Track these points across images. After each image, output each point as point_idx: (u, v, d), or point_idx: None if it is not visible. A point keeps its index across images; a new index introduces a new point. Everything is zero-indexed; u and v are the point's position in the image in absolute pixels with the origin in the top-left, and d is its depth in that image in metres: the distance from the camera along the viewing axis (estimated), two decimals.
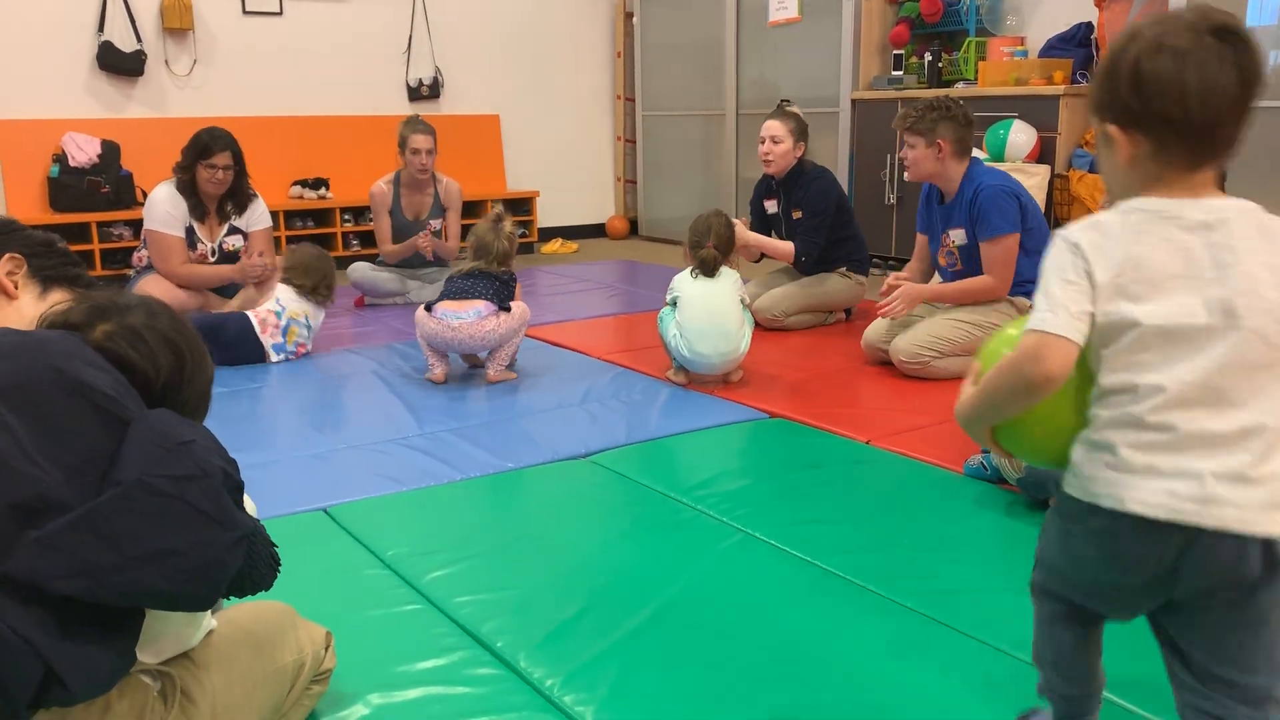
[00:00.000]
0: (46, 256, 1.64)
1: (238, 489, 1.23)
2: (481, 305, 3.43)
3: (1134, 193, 1.24)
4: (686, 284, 3.46)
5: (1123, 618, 1.32)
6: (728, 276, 3.44)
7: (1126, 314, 1.18)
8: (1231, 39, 1.17)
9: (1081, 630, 1.35)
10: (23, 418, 1.11)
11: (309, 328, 3.92)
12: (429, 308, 3.47)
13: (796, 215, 4.27)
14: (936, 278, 3.72)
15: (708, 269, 3.42)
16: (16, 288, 1.59)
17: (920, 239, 3.75)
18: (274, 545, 1.31)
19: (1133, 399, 1.18)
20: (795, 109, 4.34)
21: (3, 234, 1.62)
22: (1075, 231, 1.24)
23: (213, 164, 4.17)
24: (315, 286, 3.93)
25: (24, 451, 1.09)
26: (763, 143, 4.26)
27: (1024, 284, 3.48)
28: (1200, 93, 1.17)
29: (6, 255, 1.59)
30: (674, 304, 3.46)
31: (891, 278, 3.62)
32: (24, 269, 1.61)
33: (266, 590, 1.31)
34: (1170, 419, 1.16)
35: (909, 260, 3.87)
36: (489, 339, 3.45)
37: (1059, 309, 1.20)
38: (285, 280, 3.93)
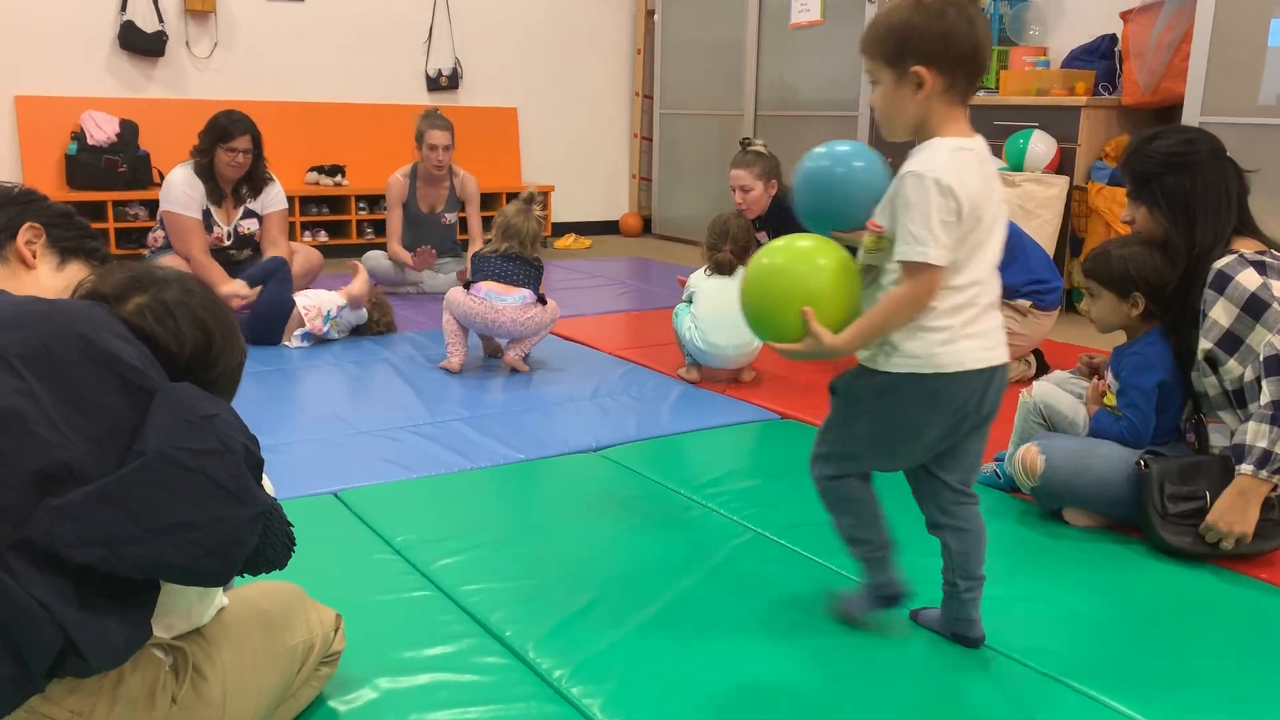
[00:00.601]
0: (65, 228, 1.63)
1: (258, 466, 1.22)
2: (525, 293, 3.47)
3: (921, 123, 1.63)
4: (702, 280, 3.47)
5: (905, 465, 1.77)
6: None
7: (968, 233, 1.59)
8: (978, 9, 1.64)
9: (871, 490, 1.81)
10: (48, 386, 1.11)
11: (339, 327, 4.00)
12: (469, 284, 3.47)
13: None
14: None
15: (723, 270, 3.42)
16: (35, 257, 1.58)
17: None
18: (290, 525, 1.31)
19: (957, 292, 1.61)
20: (758, 146, 4.18)
21: (22, 203, 1.61)
22: (943, 175, 1.55)
23: (233, 147, 4.17)
24: (379, 320, 4.08)
25: (49, 419, 1.09)
26: (734, 192, 4.18)
27: (1020, 287, 3.46)
28: (983, 44, 1.61)
29: (25, 224, 1.58)
30: (690, 300, 3.47)
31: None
32: (43, 239, 1.60)
33: (281, 570, 1.31)
34: (977, 299, 1.63)
35: None
36: (527, 327, 3.47)
37: (940, 245, 1.56)
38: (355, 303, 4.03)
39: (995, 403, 1.70)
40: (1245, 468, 2.05)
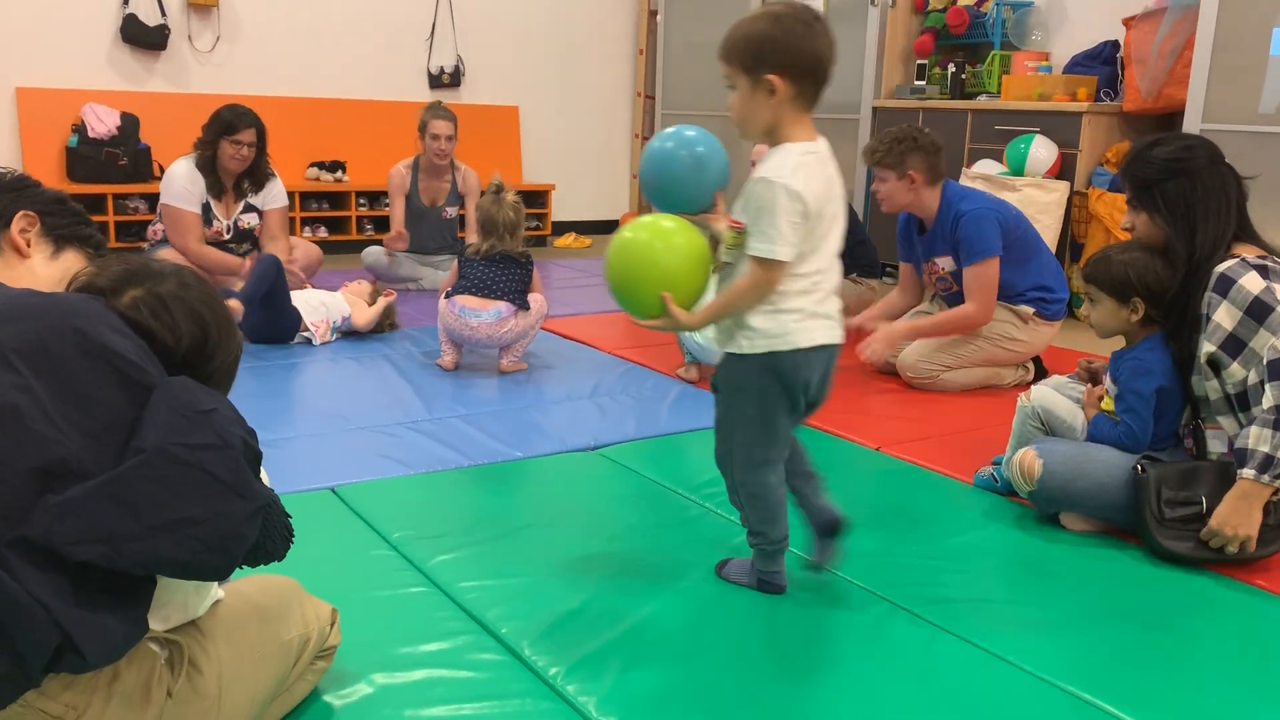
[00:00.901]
0: (59, 215, 1.62)
1: (257, 459, 1.22)
2: (502, 306, 3.42)
3: (773, 126, 1.82)
4: None
5: (786, 441, 1.94)
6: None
7: (813, 229, 1.79)
8: (824, 22, 1.83)
9: (783, 486, 1.95)
10: (45, 381, 1.11)
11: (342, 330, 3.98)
12: (449, 295, 3.47)
13: None
14: (924, 305, 3.70)
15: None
16: (29, 245, 1.57)
17: (903, 267, 3.72)
18: (288, 516, 1.31)
19: (804, 278, 1.82)
20: None
21: (15, 191, 1.59)
22: (790, 181, 1.75)
23: (237, 140, 4.17)
24: (384, 322, 4.05)
25: (46, 415, 1.08)
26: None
27: (1025, 292, 3.46)
28: (827, 57, 1.80)
29: (19, 213, 1.57)
30: None
31: (859, 318, 3.56)
32: (37, 227, 1.58)
33: (279, 561, 1.30)
34: (821, 284, 1.85)
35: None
36: (506, 338, 3.45)
37: (787, 243, 1.76)
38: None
39: (830, 374, 1.93)
40: (1247, 472, 2.05)
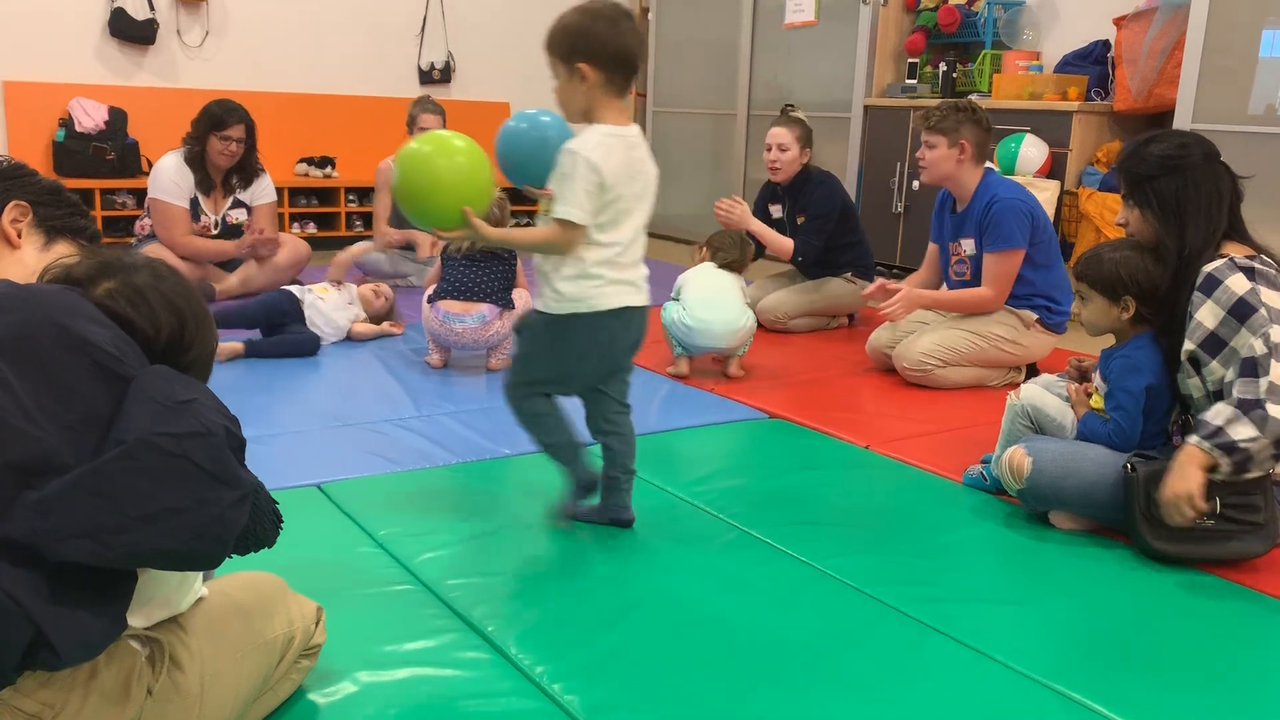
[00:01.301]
0: (53, 205, 1.59)
1: (240, 447, 1.21)
2: (485, 309, 3.39)
3: (588, 110, 2.05)
4: (692, 271, 3.55)
5: (579, 388, 2.21)
6: (727, 274, 3.53)
7: (610, 201, 2.01)
8: (632, 20, 2.06)
9: (554, 405, 2.20)
10: (22, 374, 1.09)
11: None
12: (432, 301, 3.43)
13: (801, 220, 4.25)
14: (944, 288, 3.70)
15: (731, 268, 3.55)
16: (20, 236, 1.54)
17: (932, 248, 3.73)
18: (276, 502, 1.30)
19: (606, 248, 2.05)
20: (800, 114, 4.30)
21: (9, 179, 1.56)
22: (591, 154, 1.98)
23: (226, 135, 4.15)
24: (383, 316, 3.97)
25: (23, 409, 1.07)
26: (769, 150, 4.21)
27: (1033, 296, 3.46)
28: (632, 48, 2.04)
29: (12, 203, 1.54)
30: (677, 297, 3.48)
31: (878, 282, 3.56)
32: (29, 217, 1.56)
33: (270, 547, 1.30)
34: (621, 257, 2.07)
35: (914, 269, 3.86)
36: (492, 340, 3.44)
37: (582, 208, 1.99)
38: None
39: (641, 332, 2.19)
40: (1192, 439, 2.08)
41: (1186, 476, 2.06)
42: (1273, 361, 2.05)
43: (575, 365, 2.14)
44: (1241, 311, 2.10)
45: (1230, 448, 2.03)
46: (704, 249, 3.63)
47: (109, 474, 1.07)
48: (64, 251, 1.57)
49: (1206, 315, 2.13)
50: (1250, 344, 2.07)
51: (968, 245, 3.47)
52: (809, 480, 2.59)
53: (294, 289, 3.76)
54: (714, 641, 1.79)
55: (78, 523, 1.04)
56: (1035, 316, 3.46)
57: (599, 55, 2.01)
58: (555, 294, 2.07)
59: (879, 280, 3.58)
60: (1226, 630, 1.91)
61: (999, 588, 2.06)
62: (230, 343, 3.48)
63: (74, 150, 5.37)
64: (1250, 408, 2.03)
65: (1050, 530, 2.32)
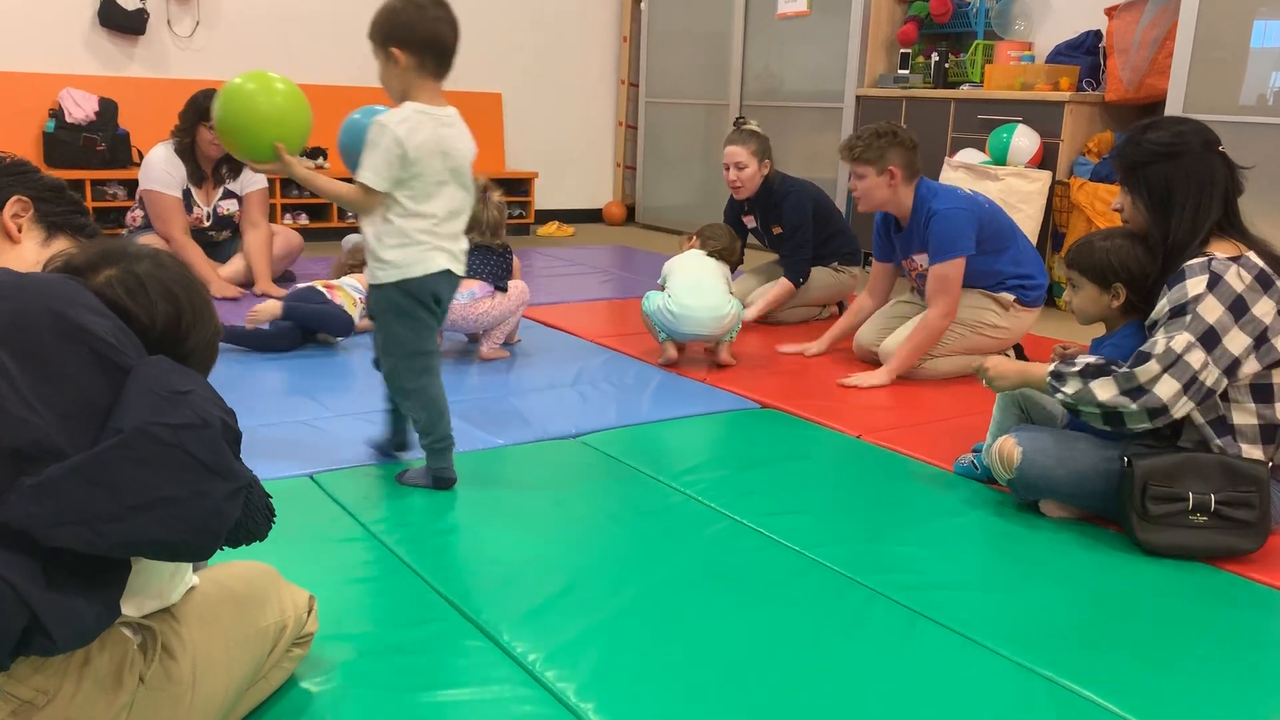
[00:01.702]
0: (55, 202, 1.60)
1: (236, 440, 1.21)
2: (476, 287, 3.40)
3: (404, 91, 2.26)
4: (678, 258, 3.59)
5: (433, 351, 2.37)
6: (713, 262, 3.57)
7: (418, 172, 2.23)
8: (447, 7, 2.28)
9: (441, 391, 2.36)
10: (19, 362, 1.09)
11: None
12: None
13: (777, 230, 4.22)
14: (895, 299, 3.70)
15: (720, 257, 3.58)
16: (20, 231, 1.55)
17: (876, 266, 3.70)
18: (269, 496, 1.30)
19: (423, 219, 2.26)
20: (752, 126, 4.22)
21: (11, 175, 1.57)
22: (396, 127, 2.20)
23: (214, 125, 4.13)
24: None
25: (20, 396, 1.07)
26: (727, 170, 4.15)
27: (1004, 280, 3.47)
28: (440, 33, 2.25)
29: (14, 197, 1.54)
30: (664, 284, 3.52)
31: (818, 345, 3.71)
32: (30, 213, 1.56)
33: (261, 541, 1.30)
34: (438, 228, 2.29)
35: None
36: (483, 320, 3.44)
37: (380, 175, 2.20)
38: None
39: (450, 297, 2.38)
40: (1051, 365, 2.28)
41: (1009, 366, 2.43)
42: (1153, 362, 2.10)
43: (424, 328, 2.29)
44: (1176, 310, 2.12)
45: (1059, 377, 2.24)
46: (693, 238, 3.64)
47: (105, 462, 1.07)
48: (64, 248, 1.57)
49: (1158, 307, 2.17)
50: (1155, 340, 2.12)
51: (921, 260, 3.47)
52: (800, 469, 2.60)
53: (317, 284, 3.70)
54: (706, 628, 1.80)
55: (72, 510, 1.05)
56: (1012, 298, 3.48)
57: (409, 40, 2.22)
58: (382, 264, 2.25)
59: (811, 351, 3.71)
60: (1215, 617, 1.92)
61: (989, 575, 2.07)
62: (270, 303, 3.52)
63: (64, 141, 5.35)
64: (1103, 373, 2.17)
65: (1040, 518, 2.33)
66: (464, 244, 2.37)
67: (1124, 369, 2.14)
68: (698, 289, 3.45)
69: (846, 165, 3.48)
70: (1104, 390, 2.15)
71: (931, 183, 3.49)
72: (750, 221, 4.37)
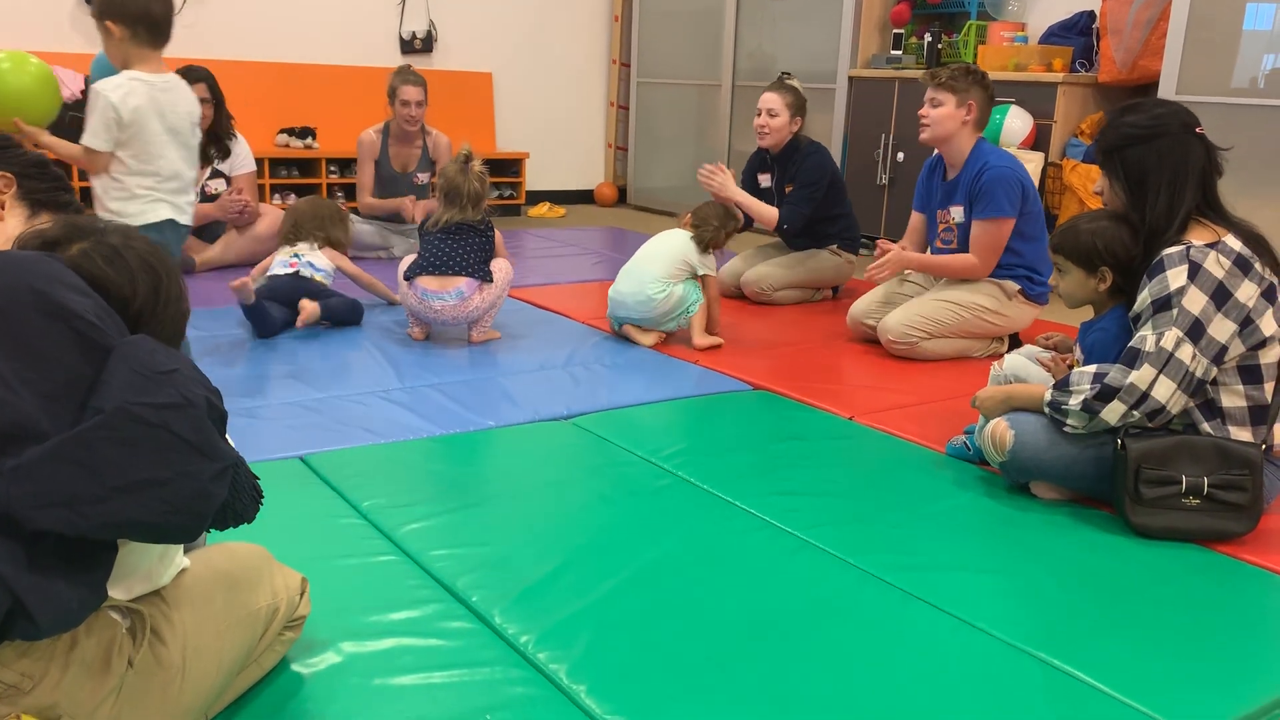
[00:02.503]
0: (38, 179, 1.58)
1: (221, 419, 1.19)
2: (464, 284, 3.36)
3: (126, 61, 2.62)
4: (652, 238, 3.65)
5: None
6: (680, 239, 3.55)
7: (135, 134, 2.65)
8: None
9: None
10: None
11: (330, 277, 3.77)
12: (409, 277, 3.41)
13: (790, 189, 4.24)
14: (899, 276, 3.70)
15: (710, 248, 3.59)
16: (3, 208, 1.53)
17: (915, 218, 3.73)
18: (256, 477, 1.29)
19: (146, 177, 2.69)
20: (795, 82, 4.28)
21: None
22: (111, 93, 2.60)
23: None
24: (329, 237, 3.80)
25: (0, 377, 1.06)
26: (759, 114, 4.20)
27: (1016, 267, 3.47)
28: (151, 8, 2.61)
29: None
30: None
31: (883, 243, 3.56)
32: (14, 189, 1.54)
33: (249, 523, 1.28)
34: (160, 186, 2.72)
35: (897, 242, 3.86)
36: (472, 315, 3.42)
37: (99, 137, 2.61)
38: (299, 238, 3.76)
39: (178, 246, 2.82)
40: (1048, 394, 2.24)
41: (1003, 395, 2.38)
42: (1147, 365, 2.09)
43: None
44: (1160, 305, 2.11)
45: (1058, 406, 2.22)
46: (687, 217, 3.62)
47: (88, 443, 1.06)
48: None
49: (1140, 299, 2.16)
50: (1144, 336, 2.11)
51: (957, 213, 3.47)
52: (793, 451, 2.60)
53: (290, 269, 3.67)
54: (698, 610, 1.80)
55: (54, 491, 1.03)
56: (1018, 287, 3.47)
57: (122, 14, 2.57)
58: (108, 214, 2.54)
59: (884, 242, 3.59)
60: (1206, 597, 1.93)
61: (981, 556, 2.07)
62: (308, 303, 3.47)
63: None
64: (1106, 395, 2.14)
65: (1032, 500, 2.33)
66: (190, 197, 2.78)
67: (1120, 380, 2.12)
68: (631, 271, 3.52)
69: (928, 90, 3.46)
70: (1113, 414, 2.14)
71: (992, 145, 3.50)
72: (765, 180, 4.35)
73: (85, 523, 1.05)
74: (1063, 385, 2.22)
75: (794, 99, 4.17)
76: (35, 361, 1.08)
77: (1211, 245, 2.13)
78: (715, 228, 3.56)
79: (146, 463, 1.08)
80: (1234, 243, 2.14)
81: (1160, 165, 2.17)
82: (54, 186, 1.61)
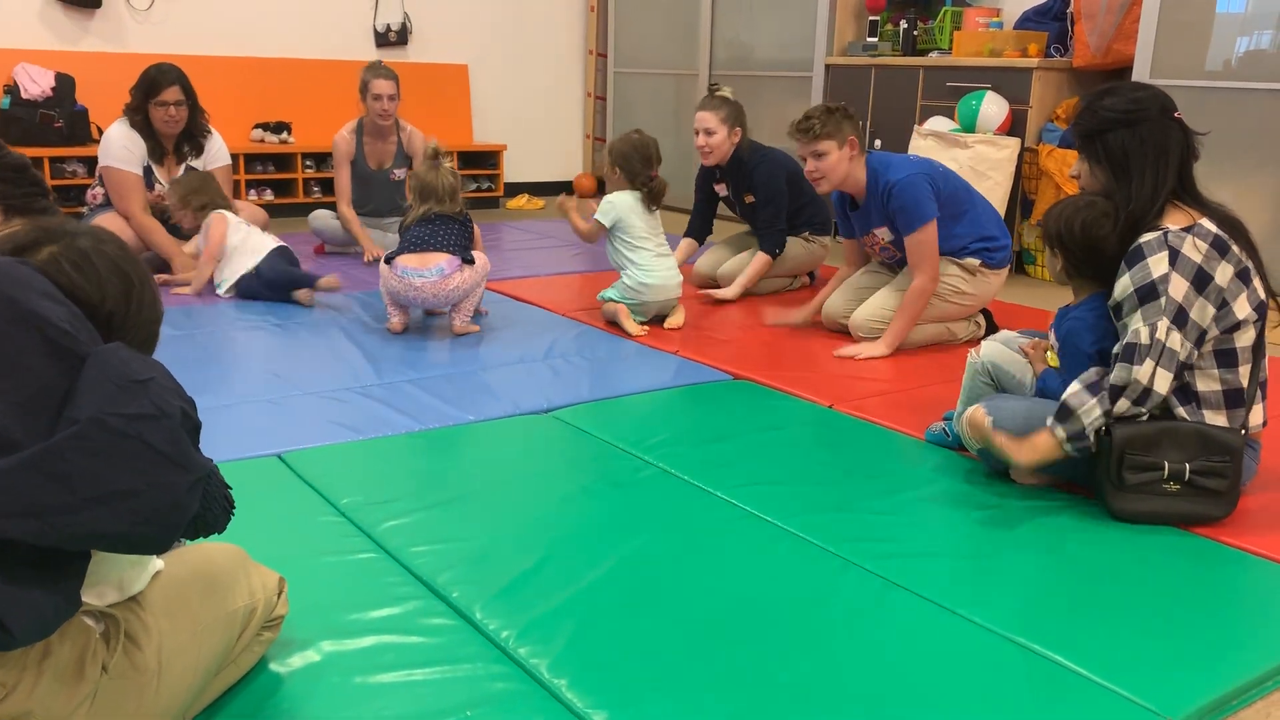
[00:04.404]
0: (17, 184, 1.55)
1: (195, 430, 1.18)
2: (444, 261, 3.36)
3: None
4: (635, 216, 3.60)
5: None
6: (636, 201, 3.64)
7: None
8: None
9: None
10: None
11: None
12: (389, 260, 3.41)
13: (749, 199, 4.21)
14: (862, 269, 3.71)
15: (657, 200, 3.62)
16: None
17: (847, 243, 3.73)
18: (229, 487, 1.27)
19: None
20: (725, 92, 4.21)
21: None
22: None
23: (163, 100, 4.06)
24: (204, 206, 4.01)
25: None
26: (697, 135, 4.15)
27: (967, 245, 3.47)
28: None
29: None
30: (612, 226, 3.58)
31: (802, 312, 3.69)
32: None
33: (220, 533, 1.27)
34: None
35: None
36: (453, 295, 3.40)
37: None
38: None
39: None
40: (1050, 421, 2.15)
41: (1023, 452, 2.18)
42: (1148, 359, 2.09)
43: None
44: (1145, 294, 2.11)
45: (1080, 435, 2.12)
46: (608, 169, 3.70)
47: (60, 453, 1.05)
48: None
49: (1121, 287, 2.15)
50: (1138, 330, 2.11)
51: (883, 234, 3.47)
52: (773, 439, 2.60)
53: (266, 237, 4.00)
54: (679, 601, 1.80)
55: (21, 502, 1.02)
56: (978, 262, 3.48)
57: None
58: None
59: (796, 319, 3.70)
60: (1186, 581, 1.94)
61: (961, 542, 2.08)
62: (329, 277, 3.92)
63: (20, 118, 5.23)
64: (1114, 395, 2.11)
65: (1011, 485, 2.34)
66: None
67: (1125, 377, 2.09)
68: (663, 254, 3.63)
69: (803, 147, 3.38)
70: (1120, 410, 2.12)
71: (879, 154, 3.49)
72: (722, 190, 4.35)
73: (55, 533, 1.04)
74: (1066, 416, 2.13)
75: (729, 111, 4.11)
76: (7, 370, 1.07)
77: (1187, 229, 2.13)
78: (641, 168, 3.61)
79: (119, 474, 1.07)
80: (1210, 225, 2.15)
81: (1142, 149, 2.17)
82: (32, 191, 1.58)
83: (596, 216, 3.58)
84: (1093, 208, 2.26)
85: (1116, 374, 2.12)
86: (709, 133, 4.10)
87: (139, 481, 1.08)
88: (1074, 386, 2.15)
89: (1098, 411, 2.11)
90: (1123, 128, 2.19)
